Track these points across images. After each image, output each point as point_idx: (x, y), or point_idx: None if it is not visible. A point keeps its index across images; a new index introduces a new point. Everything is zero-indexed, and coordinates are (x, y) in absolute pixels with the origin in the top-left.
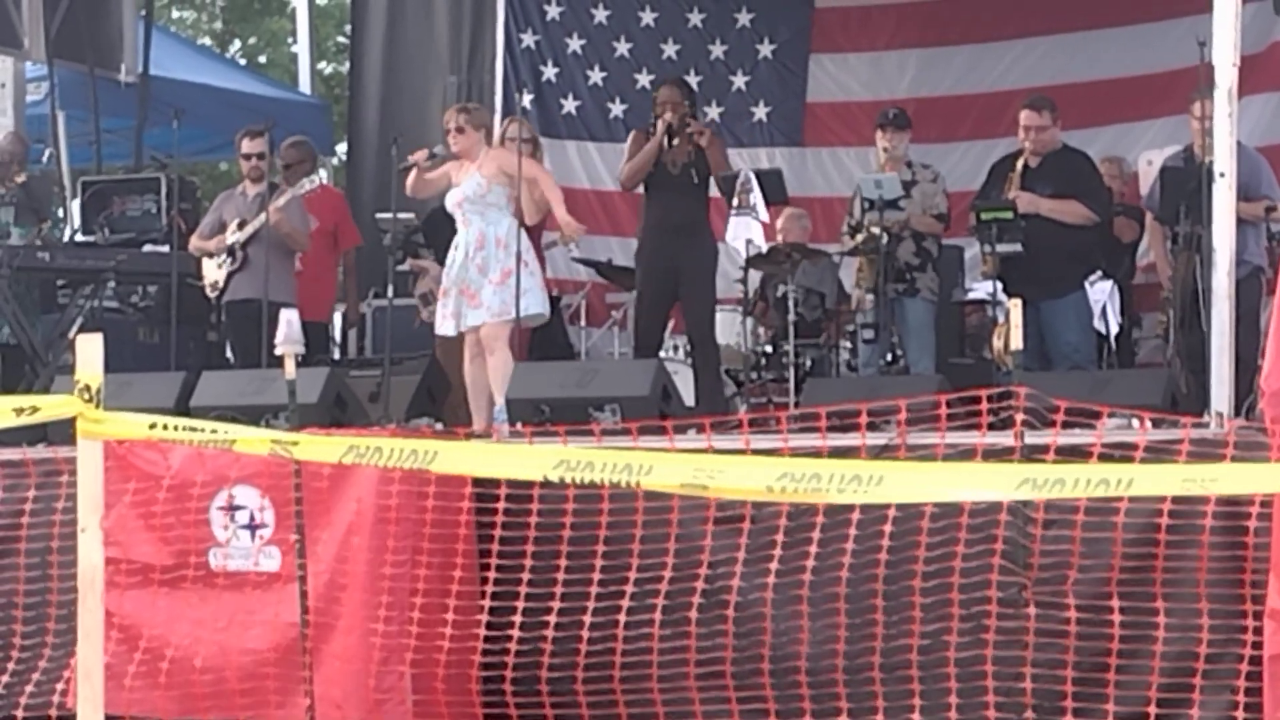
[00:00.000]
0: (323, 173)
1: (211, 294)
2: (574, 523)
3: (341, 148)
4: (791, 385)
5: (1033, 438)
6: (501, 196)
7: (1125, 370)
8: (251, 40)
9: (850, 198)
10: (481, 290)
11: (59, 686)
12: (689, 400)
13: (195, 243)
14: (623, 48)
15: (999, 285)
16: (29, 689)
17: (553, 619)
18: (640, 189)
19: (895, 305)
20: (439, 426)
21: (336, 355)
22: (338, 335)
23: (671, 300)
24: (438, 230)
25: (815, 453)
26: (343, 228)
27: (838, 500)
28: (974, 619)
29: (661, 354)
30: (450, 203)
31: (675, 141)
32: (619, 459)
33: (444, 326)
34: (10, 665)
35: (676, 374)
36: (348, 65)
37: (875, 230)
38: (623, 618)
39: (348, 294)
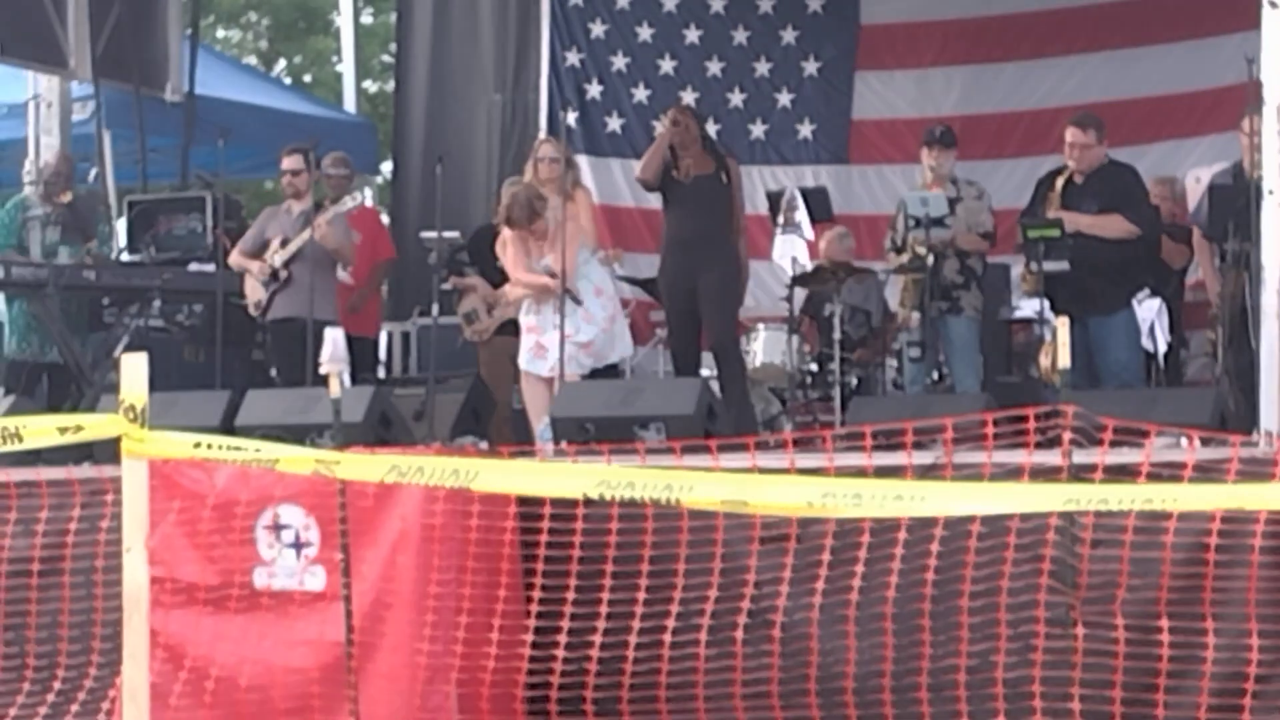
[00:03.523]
0: (368, 190)
1: (255, 313)
2: (618, 542)
3: (386, 166)
4: (837, 404)
5: (1080, 456)
6: (586, 249)
7: (1174, 389)
8: (297, 59)
9: (893, 214)
10: (595, 340)
11: (104, 706)
12: None
13: (236, 258)
14: (667, 66)
15: (1047, 303)
16: (74, 708)
17: (597, 638)
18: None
19: (939, 324)
20: (484, 445)
21: (382, 373)
22: (383, 353)
23: (697, 316)
24: (482, 248)
25: (860, 471)
26: (379, 243)
27: (879, 514)
28: (1021, 639)
29: (704, 371)
30: (530, 278)
31: (688, 161)
32: (660, 478)
33: (531, 366)
34: (56, 684)
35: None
36: (393, 84)
37: (921, 250)
38: (668, 637)
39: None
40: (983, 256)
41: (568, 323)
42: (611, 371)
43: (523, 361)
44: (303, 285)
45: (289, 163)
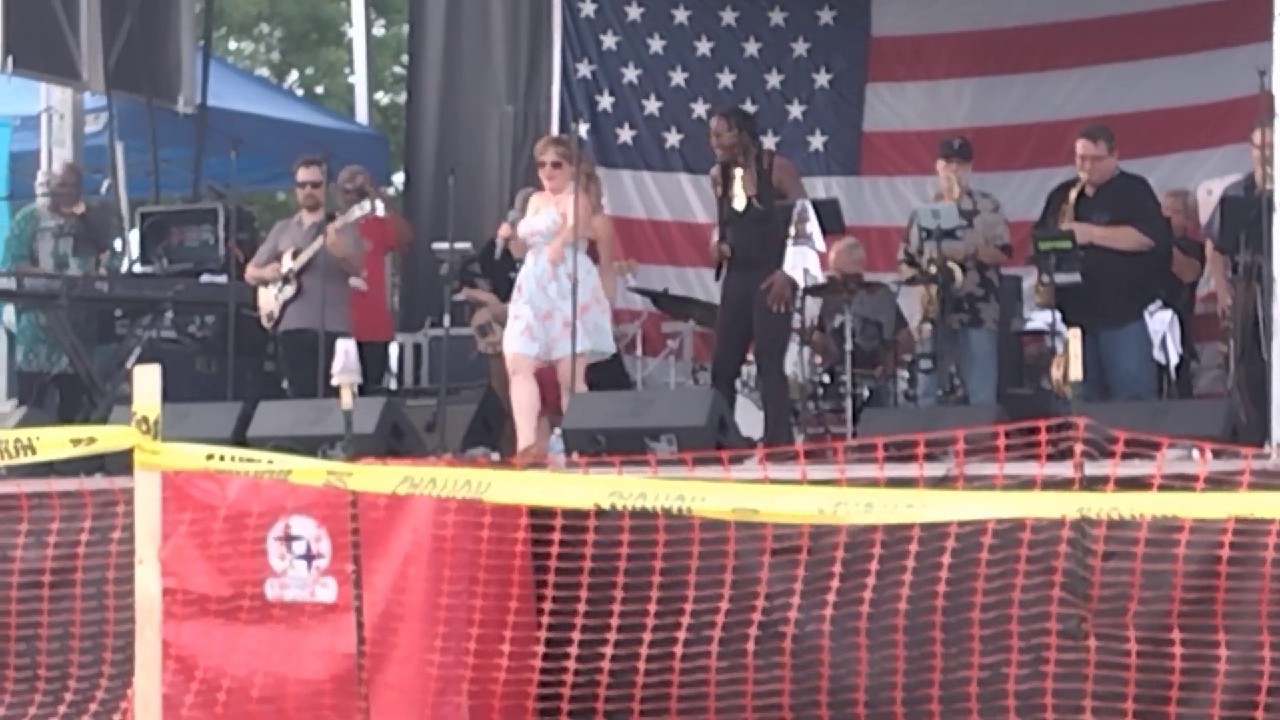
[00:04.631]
0: (379, 202)
1: (267, 324)
2: (630, 553)
3: (398, 178)
4: (849, 415)
5: (1092, 468)
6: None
7: (1185, 400)
8: (309, 71)
9: (906, 226)
10: (560, 321)
11: (116, 717)
12: (749, 430)
13: (251, 271)
14: (679, 77)
15: (1058, 315)
16: (86, 719)
17: (609, 650)
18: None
19: (959, 336)
20: (495, 456)
21: (393, 385)
22: (394, 363)
23: (746, 331)
24: (494, 260)
25: (872, 483)
26: (391, 240)
27: (891, 520)
28: (1033, 651)
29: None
30: (523, 230)
31: (740, 173)
32: (672, 488)
33: (517, 345)
34: (68, 695)
35: (739, 403)
36: (404, 96)
37: (951, 266)
38: (679, 649)
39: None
40: (999, 269)
41: (549, 301)
42: (621, 379)
43: (517, 345)
44: (314, 297)
45: (307, 174)
